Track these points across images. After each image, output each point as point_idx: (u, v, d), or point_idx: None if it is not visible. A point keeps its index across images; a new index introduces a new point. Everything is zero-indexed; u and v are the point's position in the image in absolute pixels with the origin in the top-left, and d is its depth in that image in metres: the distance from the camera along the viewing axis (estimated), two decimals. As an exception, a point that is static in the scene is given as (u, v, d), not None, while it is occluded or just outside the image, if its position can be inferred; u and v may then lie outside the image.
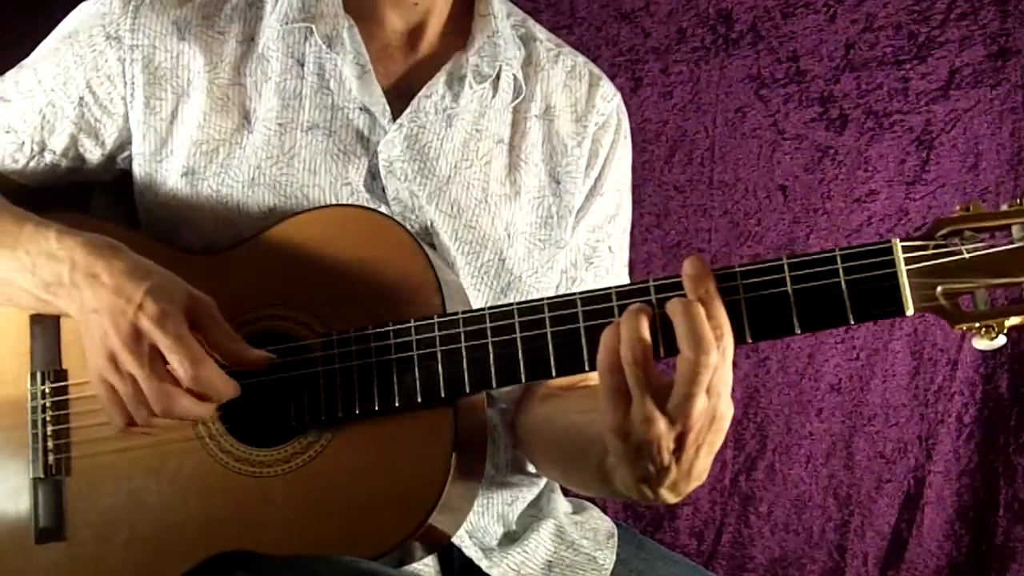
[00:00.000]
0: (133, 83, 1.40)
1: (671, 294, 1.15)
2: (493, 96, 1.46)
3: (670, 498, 1.17)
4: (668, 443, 1.10)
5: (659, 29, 2.55)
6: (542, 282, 1.47)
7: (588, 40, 2.59)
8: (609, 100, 1.55)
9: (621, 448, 1.12)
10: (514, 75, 1.47)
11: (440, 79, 1.43)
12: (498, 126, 1.47)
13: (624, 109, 1.58)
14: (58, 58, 1.42)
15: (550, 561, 1.46)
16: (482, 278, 1.43)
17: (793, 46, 2.44)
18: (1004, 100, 2.25)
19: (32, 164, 1.44)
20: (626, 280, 1.58)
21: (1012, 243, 1.11)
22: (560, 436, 1.38)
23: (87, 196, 1.50)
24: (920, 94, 2.32)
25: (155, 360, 1.21)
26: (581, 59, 1.56)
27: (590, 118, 1.52)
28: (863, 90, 2.37)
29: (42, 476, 1.34)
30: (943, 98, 2.30)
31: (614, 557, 1.48)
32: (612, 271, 1.56)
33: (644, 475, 1.14)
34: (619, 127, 1.56)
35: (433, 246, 1.40)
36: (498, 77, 1.46)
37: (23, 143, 1.43)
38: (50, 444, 1.35)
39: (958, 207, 1.13)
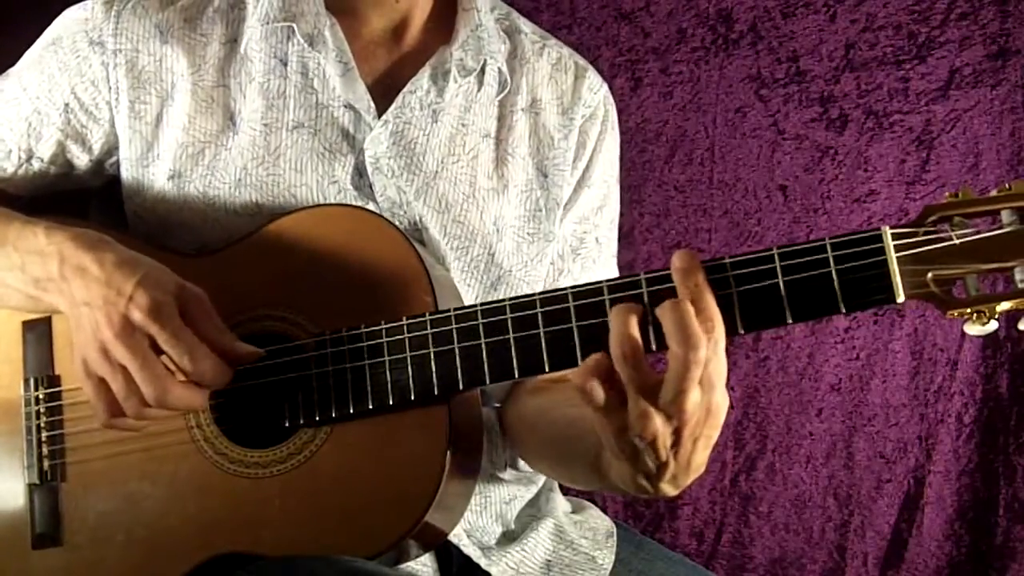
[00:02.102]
0: (117, 87, 1.40)
1: (663, 287, 1.15)
2: (478, 90, 1.46)
3: (670, 491, 1.16)
4: (665, 439, 1.09)
5: (659, 29, 2.55)
6: (532, 275, 1.47)
7: (588, 40, 2.59)
8: (596, 91, 1.54)
9: (617, 445, 1.12)
10: (499, 68, 1.47)
11: (424, 74, 1.43)
12: (484, 120, 1.47)
13: (611, 100, 1.57)
14: (42, 65, 1.43)
15: (549, 560, 1.46)
16: (472, 272, 1.43)
17: (793, 46, 2.43)
18: (1004, 100, 2.24)
19: (21, 172, 1.45)
20: (614, 271, 1.58)
21: (1002, 228, 1.11)
22: (552, 429, 1.38)
23: (85, 208, 1.50)
24: (920, 94, 2.32)
25: (148, 350, 1.21)
26: (567, 51, 1.56)
27: (576, 110, 1.52)
28: (863, 90, 2.37)
29: (37, 482, 1.34)
30: (943, 98, 2.30)
31: (613, 557, 1.48)
32: (600, 261, 1.55)
33: (643, 470, 1.13)
34: (607, 118, 1.55)
35: (423, 242, 1.40)
36: (483, 71, 1.46)
37: (11, 151, 1.44)
38: (45, 450, 1.35)
39: (947, 194, 1.13)
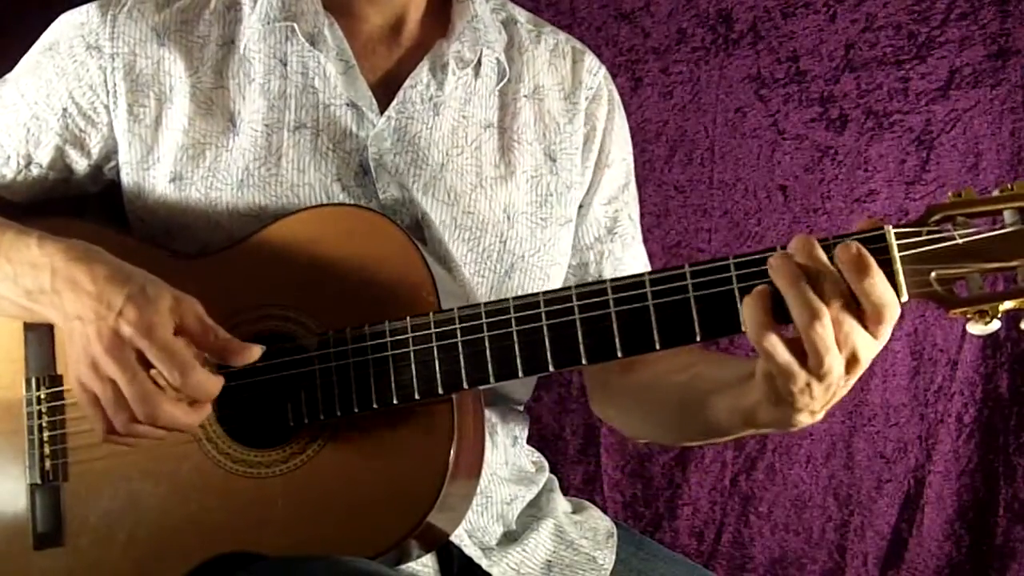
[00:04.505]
0: (115, 91, 1.40)
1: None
2: (476, 81, 1.47)
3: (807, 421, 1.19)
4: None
5: (659, 29, 2.55)
6: (545, 260, 1.48)
7: (588, 40, 2.57)
8: (595, 73, 1.56)
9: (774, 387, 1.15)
10: (497, 58, 1.48)
11: (424, 68, 1.43)
12: (484, 111, 1.47)
13: (610, 79, 1.59)
14: (39, 71, 1.42)
15: (549, 561, 1.46)
16: (484, 263, 1.43)
17: (793, 46, 2.43)
18: (1004, 100, 2.25)
19: (19, 178, 1.44)
20: (643, 252, 1.60)
21: (1004, 227, 1.11)
22: (680, 390, 1.39)
23: (82, 210, 1.50)
24: (920, 94, 2.32)
25: (137, 366, 1.20)
26: (563, 36, 1.57)
27: (579, 94, 1.53)
28: (863, 90, 2.37)
29: (39, 482, 1.34)
30: (943, 98, 2.30)
31: (613, 557, 1.48)
32: (636, 239, 1.58)
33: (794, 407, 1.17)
34: (611, 98, 1.57)
35: (424, 240, 1.40)
36: (479, 63, 1.46)
37: (9, 157, 1.43)
38: (46, 450, 1.35)
39: (950, 194, 1.13)
